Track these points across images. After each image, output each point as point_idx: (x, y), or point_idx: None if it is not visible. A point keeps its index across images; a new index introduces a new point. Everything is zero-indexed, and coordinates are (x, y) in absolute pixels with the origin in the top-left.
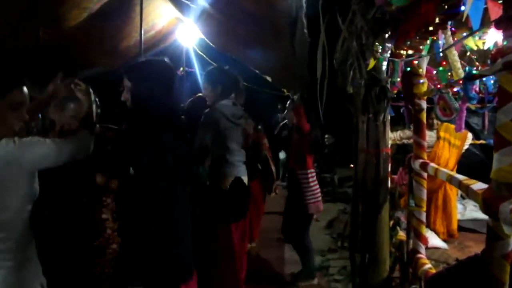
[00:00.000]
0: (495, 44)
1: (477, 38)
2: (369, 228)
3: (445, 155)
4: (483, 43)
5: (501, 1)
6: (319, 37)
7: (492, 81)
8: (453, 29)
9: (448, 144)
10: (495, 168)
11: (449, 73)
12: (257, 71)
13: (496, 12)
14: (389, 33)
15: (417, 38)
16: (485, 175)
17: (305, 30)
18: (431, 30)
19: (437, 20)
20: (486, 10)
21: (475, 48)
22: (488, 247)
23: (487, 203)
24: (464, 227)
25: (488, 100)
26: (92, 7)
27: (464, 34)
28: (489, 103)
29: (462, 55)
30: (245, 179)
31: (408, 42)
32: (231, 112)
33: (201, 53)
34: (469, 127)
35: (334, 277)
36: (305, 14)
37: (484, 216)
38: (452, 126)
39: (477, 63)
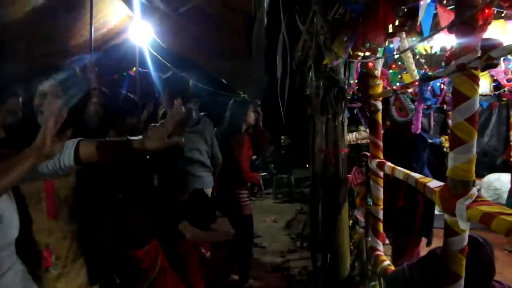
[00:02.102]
0: (442, 48)
1: (425, 42)
2: (330, 228)
3: None
4: (431, 47)
5: (451, 7)
6: (279, 37)
7: (438, 84)
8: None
9: None
10: (451, 166)
11: (399, 75)
12: (212, 73)
13: (446, 18)
14: (348, 34)
15: (375, 42)
16: (431, 171)
17: (264, 30)
18: (391, 32)
19: (397, 22)
20: (435, 15)
21: (423, 52)
22: (446, 242)
23: (444, 200)
24: None
25: (433, 101)
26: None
27: (413, 38)
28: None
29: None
30: (208, 190)
31: (368, 44)
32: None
33: (155, 54)
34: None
35: (295, 277)
36: (266, 13)
37: (436, 211)
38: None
39: (425, 66)
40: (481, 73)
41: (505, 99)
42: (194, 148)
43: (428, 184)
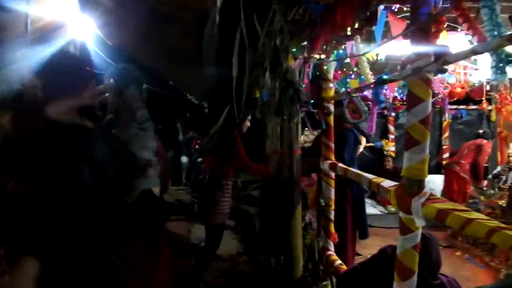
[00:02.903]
0: (386, 57)
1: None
2: (284, 230)
3: None
4: (377, 54)
5: (401, 16)
6: (232, 37)
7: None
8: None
9: None
10: (406, 166)
11: (348, 79)
12: (158, 72)
13: (397, 26)
14: (307, 35)
15: (334, 42)
16: (373, 173)
17: (216, 29)
18: (349, 35)
19: (356, 25)
20: (386, 23)
21: (370, 58)
22: (401, 239)
23: (399, 199)
24: None
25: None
26: None
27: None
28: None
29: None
30: (155, 190)
31: (325, 46)
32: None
33: (97, 50)
34: (360, 132)
35: (246, 280)
36: (219, 11)
37: (376, 211)
38: None
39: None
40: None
41: (438, 106)
42: (141, 146)
43: (382, 184)
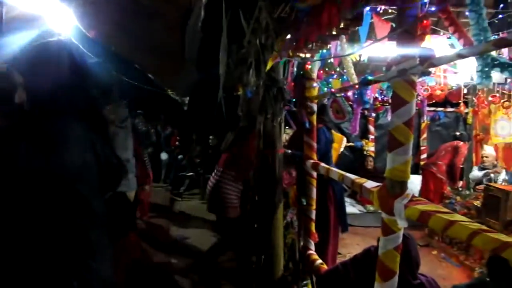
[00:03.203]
0: (368, 58)
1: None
2: (265, 229)
3: None
4: (359, 55)
5: (385, 18)
6: (217, 33)
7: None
8: None
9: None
10: (389, 167)
11: (330, 79)
12: (139, 67)
13: (381, 28)
14: (292, 33)
15: (319, 41)
16: (354, 172)
17: (199, 24)
18: (334, 34)
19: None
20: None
21: (353, 59)
22: (383, 240)
23: (382, 200)
24: None
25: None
26: None
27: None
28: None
29: (340, 64)
30: (130, 193)
31: (310, 45)
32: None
33: (76, 42)
34: (341, 131)
35: (228, 278)
36: (204, 6)
37: (356, 210)
38: (332, 131)
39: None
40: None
41: (417, 108)
42: (121, 146)
43: (364, 184)
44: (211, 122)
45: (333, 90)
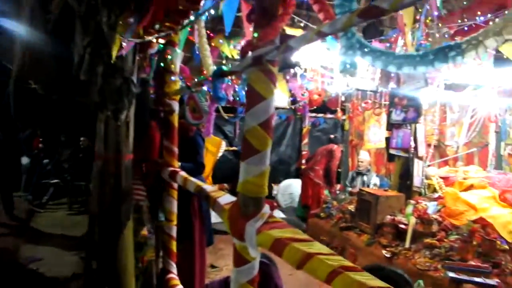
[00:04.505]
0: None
1: (232, 47)
2: (109, 253)
3: None
4: (237, 53)
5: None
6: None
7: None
8: (211, 34)
9: (206, 150)
10: (242, 179)
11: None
12: None
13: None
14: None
15: (166, 23)
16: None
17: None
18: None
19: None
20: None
21: (229, 55)
22: (235, 272)
23: (232, 222)
24: (217, 229)
25: (240, 111)
26: None
27: (221, 40)
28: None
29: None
30: None
31: (157, 26)
32: None
33: None
34: (224, 135)
35: None
36: None
37: None
38: None
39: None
40: (279, 75)
41: (299, 113)
42: None
43: (218, 199)
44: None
45: (188, 84)
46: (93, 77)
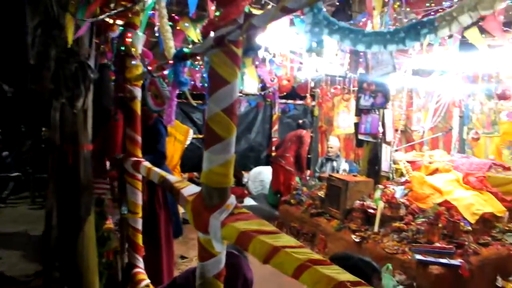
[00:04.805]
0: None
1: (198, 31)
2: (69, 251)
3: (170, 150)
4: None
5: None
6: None
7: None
8: (176, 17)
9: (173, 139)
10: (205, 169)
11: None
12: None
13: None
14: None
15: (121, 1)
16: None
17: None
18: None
19: None
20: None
21: (196, 40)
22: (200, 267)
23: (196, 214)
24: (187, 219)
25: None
26: None
27: (186, 24)
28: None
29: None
30: None
31: (112, 4)
32: None
33: None
34: (192, 122)
35: None
36: None
37: None
38: (177, 121)
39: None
40: (248, 60)
41: (269, 99)
42: None
43: (182, 190)
44: (43, 110)
45: (149, 68)
46: (45, 61)
